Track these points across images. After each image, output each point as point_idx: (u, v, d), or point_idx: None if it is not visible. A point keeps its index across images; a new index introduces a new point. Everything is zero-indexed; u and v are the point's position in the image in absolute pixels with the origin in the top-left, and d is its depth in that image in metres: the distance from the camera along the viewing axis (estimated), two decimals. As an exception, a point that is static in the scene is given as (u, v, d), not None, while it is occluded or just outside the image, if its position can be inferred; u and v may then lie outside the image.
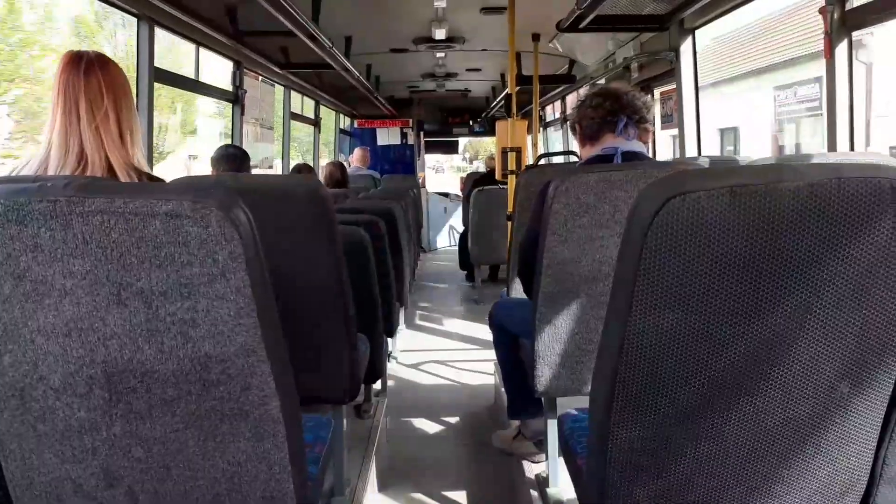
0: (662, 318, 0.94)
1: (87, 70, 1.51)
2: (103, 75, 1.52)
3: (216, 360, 0.98)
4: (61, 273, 0.94)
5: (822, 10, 2.69)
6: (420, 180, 9.96)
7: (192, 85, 4.12)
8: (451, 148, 13.10)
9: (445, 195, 10.85)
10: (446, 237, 10.50)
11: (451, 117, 11.47)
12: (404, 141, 10.50)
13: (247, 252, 0.94)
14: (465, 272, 7.09)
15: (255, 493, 1.08)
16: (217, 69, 4.54)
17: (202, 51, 4.15)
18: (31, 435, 1.04)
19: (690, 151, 4.17)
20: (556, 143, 9.90)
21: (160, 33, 3.42)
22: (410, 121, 10.47)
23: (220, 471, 1.06)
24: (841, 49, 2.63)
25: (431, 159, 16.23)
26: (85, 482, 1.06)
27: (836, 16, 2.65)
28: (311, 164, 6.73)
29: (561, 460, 1.96)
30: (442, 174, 24.92)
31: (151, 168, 2.50)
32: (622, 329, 0.96)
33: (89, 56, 1.53)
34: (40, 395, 1.01)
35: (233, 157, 3.01)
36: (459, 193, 10.69)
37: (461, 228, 8.80)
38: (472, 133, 11.79)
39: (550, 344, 1.86)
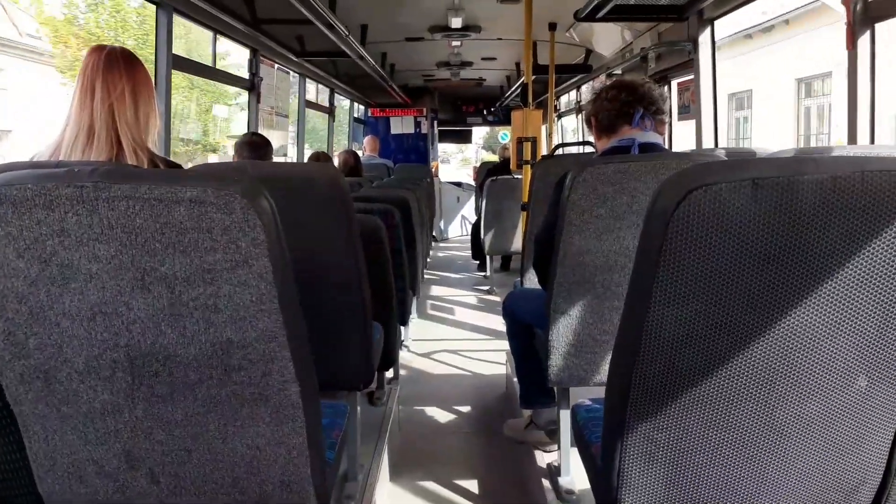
0: (682, 310, 0.94)
1: (109, 57, 1.54)
2: (125, 64, 1.55)
3: (238, 346, 1.00)
4: (87, 257, 0.95)
5: (845, 1, 2.65)
6: (433, 169, 9.96)
7: (209, 72, 4.14)
8: (465, 137, 13.07)
9: (458, 185, 10.84)
10: (458, 227, 10.50)
11: (465, 106, 11.44)
12: (418, 130, 10.48)
13: (269, 239, 0.95)
14: (478, 262, 7.10)
15: (274, 477, 1.10)
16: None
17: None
18: (54, 416, 1.06)
19: (707, 143, 4.14)
20: (569, 133, 9.86)
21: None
22: (424, 110, 10.44)
23: (239, 454, 1.08)
24: (863, 41, 2.60)
25: (439, 149, 16.07)
26: (107, 463, 1.08)
27: (859, 7, 2.61)
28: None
29: (573, 450, 1.97)
30: (447, 165, 23.95)
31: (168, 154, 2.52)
32: (641, 319, 0.96)
33: (114, 49, 1.57)
34: (65, 378, 1.03)
35: (255, 145, 3.05)
36: (472, 183, 10.69)
37: (473, 218, 8.80)
38: (486, 122, 11.76)
39: (565, 334, 1.87)
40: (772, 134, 11.78)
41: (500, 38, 6.38)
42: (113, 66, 1.53)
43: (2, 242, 0.95)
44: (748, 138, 13.28)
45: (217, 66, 4.40)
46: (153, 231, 0.94)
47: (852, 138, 2.61)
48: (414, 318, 4.59)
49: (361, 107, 10.14)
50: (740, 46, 12.32)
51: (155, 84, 3.18)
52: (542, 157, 4.14)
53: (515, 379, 2.69)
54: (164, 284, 0.96)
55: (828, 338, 0.96)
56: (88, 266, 0.96)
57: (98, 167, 0.96)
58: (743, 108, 13.55)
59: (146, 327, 0.99)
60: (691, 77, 4.35)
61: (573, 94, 8.65)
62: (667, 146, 2.24)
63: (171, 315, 0.98)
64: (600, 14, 3.90)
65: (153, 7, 3.31)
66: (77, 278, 0.96)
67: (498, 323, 4.60)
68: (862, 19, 2.61)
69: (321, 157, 4.30)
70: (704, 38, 4.11)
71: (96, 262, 0.95)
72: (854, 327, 0.95)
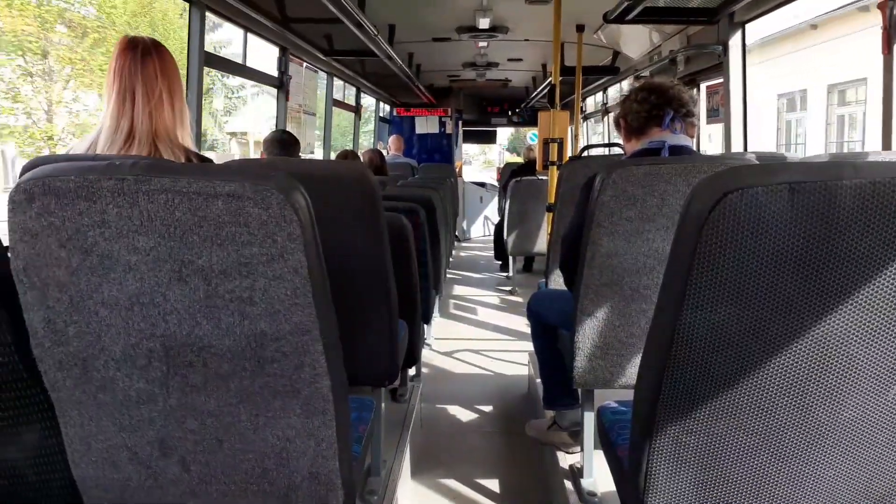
0: (715, 313, 0.93)
1: (143, 56, 1.57)
2: (159, 61, 1.58)
3: (271, 338, 1.01)
4: (126, 249, 0.97)
5: (881, 5, 2.61)
6: (457, 169, 9.97)
7: (240, 69, 4.19)
8: (489, 138, 13.06)
9: (482, 185, 10.85)
10: (481, 227, 10.50)
11: (489, 107, 11.43)
12: (442, 130, 10.50)
13: (305, 234, 0.96)
14: (500, 262, 7.09)
15: (303, 469, 1.11)
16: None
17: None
18: (91, 403, 1.08)
19: (736, 147, 4.10)
20: (594, 135, 9.82)
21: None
22: (449, 110, 10.46)
23: (269, 445, 1.09)
24: (900, 45, 2.55)
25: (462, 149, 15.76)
26: (140, 450, 1.11)
27: (895, 11, 2.57)
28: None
29: (596, 452, 1.96)
30: (468, 166, 23.09)
31: (200, 149, 2.56)
32: (673, 322, 0.96)
33: (145, 42, 1.60)
34: (102, 366, 1.05)
35: (284, 142, 3.11)
36: (496, 184, 10.68)
37: (496, 219, 8.80)
38: (511, 123, 11.73)
39: (591, 336, 1.86)
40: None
41: (527, 40, 6.36)
42: (147, 66, 1.56)
43: (45, 232, 0.97)
44: (856, 141, 10.78)
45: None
46: (191, 224, 0.96)
47: (887, 144, 2.56)
48: (436, 317, 4.61)
49: (387, 106, 10.18)
50: (848, 23, 10.04)
51: (187, 80, 3.24)
52: (570, 158, 4.13)
53: (538, 380, 2.68)
54: (201, 277, 0.98)
55: (862, 345, 0.95)
56: (128, 257, 0.98)
57: (139, 160, 0.98)
58: (847, 104, 11.04)
59: (182, 318, 1.01)
60: (721, 81, 4.30)
61: (599, 95, 8.61)
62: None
63: (206, 307, 1.00)
64: (630, 16, 3.88)
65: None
66: (116, 269, 0.99)
67: (520, 324, 4.60)
68: (898, 24, 2.56)
69: (349, 156, 4.33)
70: (735, 42, 4.07)
71: (135, 254, 0.98)
72: (889, 336, 0.94)
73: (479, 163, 28.96)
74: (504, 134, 20.09)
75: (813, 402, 0.99)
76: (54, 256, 0.98)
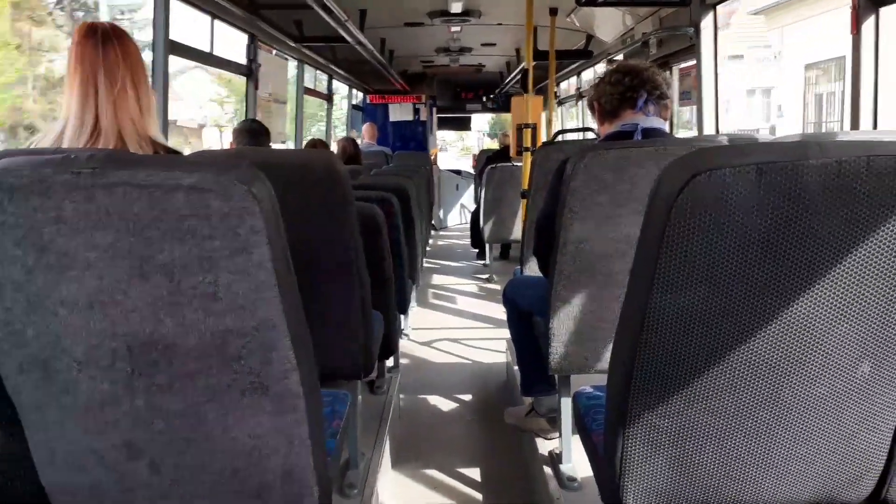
0: (684, 296, 0.93)
1: (103, 43, 1.52)
2: (120, 48, 1.53)
3: (237, 334, 0.99)
4: (84, 245, 0.94)
5: (849, -16, 2.62)
6: (432, 157, 9.93)
7: (207, 58, 4.10)
8: (464, 124, 13.02)
9: (458, 172, 10.82)
10: (458, 215, 10.49)
11: (463, 93, 11.38)
12: (417, 117, 10.43)
13: (268, 226, 0.93)
14: (477, 250, 7.09)
15: (275, 466, 1.09)
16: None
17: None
18: (53, 406, 1.05)
19: (708, 129, 4.12)
20: (569, 120, 9.82)
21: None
22: (423, 96, 10.39)
23: (240, 444, 1.07)
24: (868, 25, 2.57)
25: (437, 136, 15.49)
26: (107, 454, 1.07)
27: (863, -9, 2.58)
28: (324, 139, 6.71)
29: (574, 437, 1.97)
30: (444, 153, 22.60)
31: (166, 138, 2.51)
32: (643, 306, 0.95)
33: (105, 28, 1.54)
34: (63, 368, 1.01)
35: (253, 132, 3.08)
36: (471, 171, 10.66)
37: (472, 207, 8.78)
38: (486, 109, 11.69)
39: (565, 321, 1.86)
40: None
41: (500, 24, 6.33)
42: (109, 53, 1.51)
43: None
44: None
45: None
46: (151, 218, 0.93)
47: (855, 124, 2.59)
48: (413, 307, 4.59)
49: (359, 94, 10.08)
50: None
51: (153, 69, 3.16)
52: (543, 143, 4.12)
53: (516, 367, 2.69)
54: (163, 273, 0.95)
55: (831, 324, 0.95)
56: (86, 254, 0.94)
57: (96, 153, 0.95)
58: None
59: (144, 316, 0.98)
60: (693, 63, 4.31)
61: (573, 80, 8.60)
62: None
63: (169, 304, 0.97)
64: (602, -2, 3.87)
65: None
66: (75, 266, 0.95)
67: (498, 311, 4.60)
68: (866, 4, 2.58)
69: (318, 145, 4.29)
70: (707, 23, 4.08)
71: (94, 250, 0.94)
72: (857, 313, 0.95)
73: (457, 150, 28.81)
74: (482, 120, 19.99)
75: (784, 382, 0.99)
76: (9, 255, 0.95)
